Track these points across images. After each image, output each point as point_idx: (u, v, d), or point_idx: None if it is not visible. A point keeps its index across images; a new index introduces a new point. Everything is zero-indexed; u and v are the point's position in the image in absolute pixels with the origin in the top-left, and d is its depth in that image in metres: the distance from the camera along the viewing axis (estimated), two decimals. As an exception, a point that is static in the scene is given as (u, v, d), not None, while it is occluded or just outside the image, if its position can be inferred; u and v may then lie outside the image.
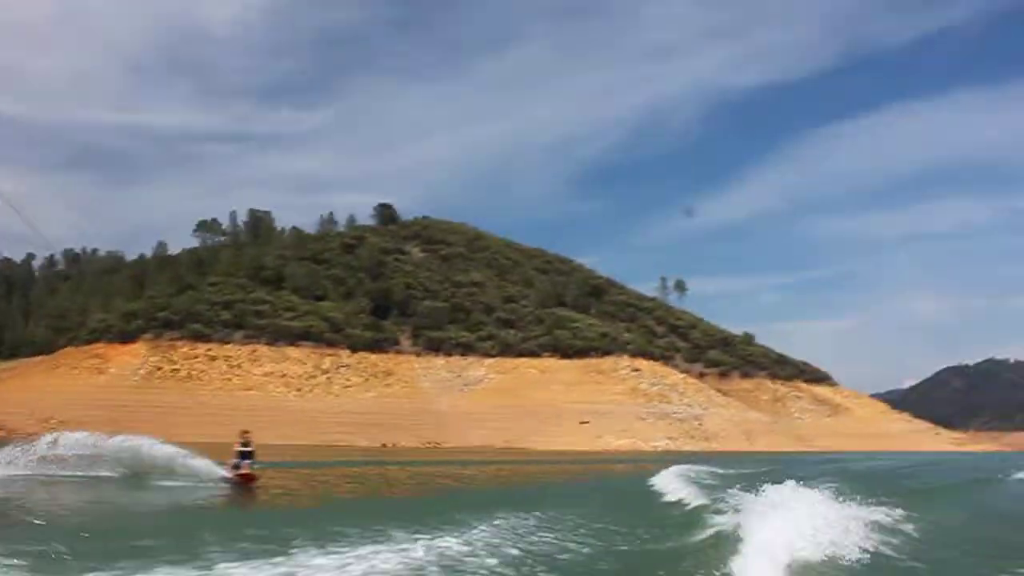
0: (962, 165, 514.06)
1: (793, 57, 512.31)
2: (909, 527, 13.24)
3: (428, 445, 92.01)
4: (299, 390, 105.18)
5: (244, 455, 24.54)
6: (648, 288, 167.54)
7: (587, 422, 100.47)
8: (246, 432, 25.30)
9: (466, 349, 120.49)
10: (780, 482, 14.59)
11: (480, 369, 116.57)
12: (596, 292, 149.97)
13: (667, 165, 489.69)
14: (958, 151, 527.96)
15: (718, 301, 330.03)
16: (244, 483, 23.92)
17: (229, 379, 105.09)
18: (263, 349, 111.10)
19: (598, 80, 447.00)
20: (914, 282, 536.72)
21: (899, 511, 14.20)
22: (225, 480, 24.21)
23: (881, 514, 13.59)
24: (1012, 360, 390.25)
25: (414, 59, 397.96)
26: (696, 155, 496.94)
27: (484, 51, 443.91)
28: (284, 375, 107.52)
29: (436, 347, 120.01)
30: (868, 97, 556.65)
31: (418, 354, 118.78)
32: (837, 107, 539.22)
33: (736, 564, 8.69)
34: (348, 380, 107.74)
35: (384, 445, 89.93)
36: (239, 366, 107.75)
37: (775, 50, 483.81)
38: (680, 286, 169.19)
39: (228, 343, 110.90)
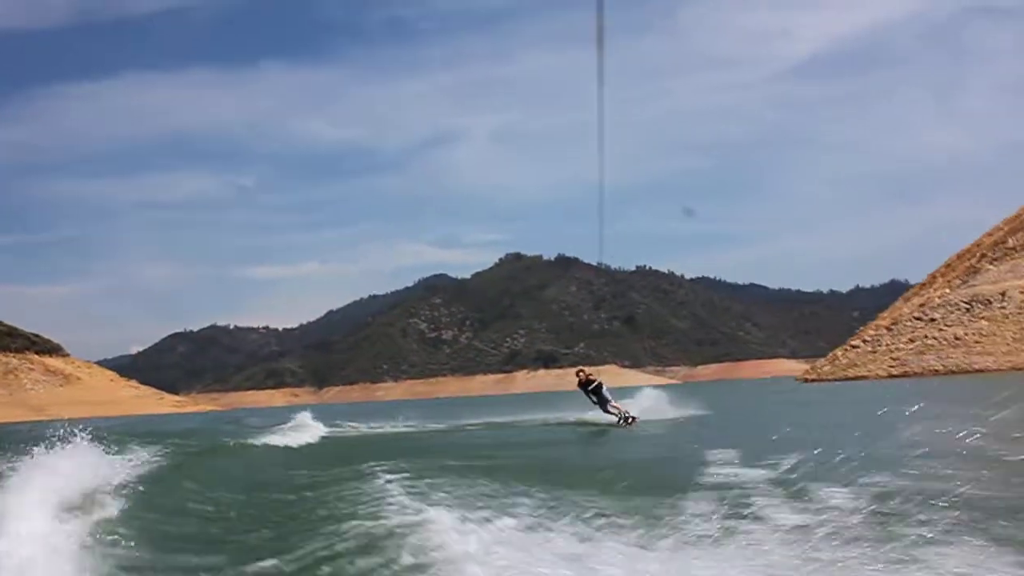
0: (198, 139, 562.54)
1: (24, 8, 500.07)
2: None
3: None
4: None
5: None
6: None
7: None
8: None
9: None
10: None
11: None
12: None
13: None
14: (194, 125, 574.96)
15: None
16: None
17: None
18: None
19: None
20: (145, 249, 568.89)
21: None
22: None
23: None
24: (232, 326, 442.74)
25: None
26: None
27: None
28: None
29: None
30: (104, 61, 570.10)
31: None
32: (72, 67, 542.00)
33: None
34: None
35: None
36: None
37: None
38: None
39: None
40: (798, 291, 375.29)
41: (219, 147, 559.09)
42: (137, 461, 12.76)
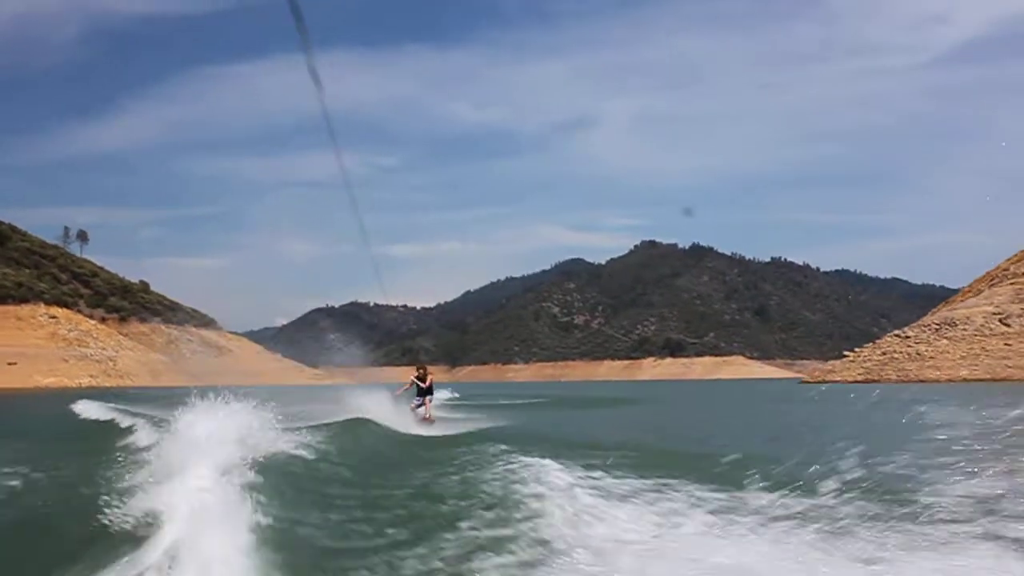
0: (342, 119, 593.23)
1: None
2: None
3: None
4: None
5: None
6: (47, 233, 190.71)
7: (15, 363, 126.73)
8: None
9: None
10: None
11: None
12: (0, 239, 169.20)
13: (41, 84, 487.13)
14: (339, 106, 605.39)
15: (97, 232, 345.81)
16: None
17: None
18: None
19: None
20: (291, 226, 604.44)
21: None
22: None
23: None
24: (372, 303, 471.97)
25: None
26: (74, 77, 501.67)
27: None
28: None
29: None
30: (256, 44, 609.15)
31: None
32: (224, 48, 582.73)
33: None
34: None
35: None
36: None
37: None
38: (83, 236, 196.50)
39: None
40: (942, 287, 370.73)
41: (363, 128, 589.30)
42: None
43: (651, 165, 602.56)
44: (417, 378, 24.88)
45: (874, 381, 72.59)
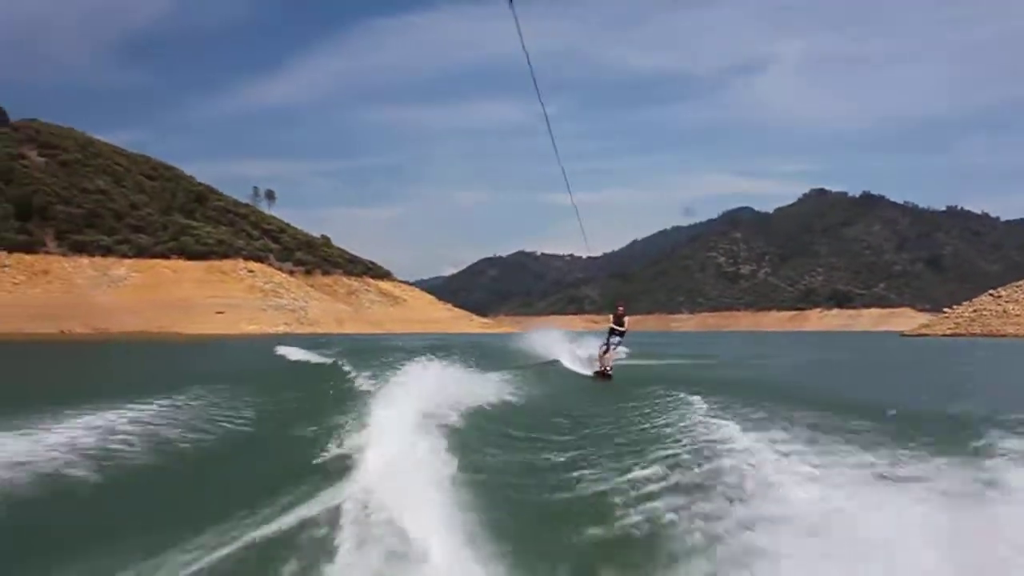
0: (506, 69, 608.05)
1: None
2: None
3: (97, 331, 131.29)
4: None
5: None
6: (240, 194, 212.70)
7: (223, 312, 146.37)
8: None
9: (106, 251, 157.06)
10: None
11: (121, 269, 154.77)
12: (200, 199, 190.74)
13: (217, 40, 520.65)
14: (504, 55, 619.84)
15: (271, 184, 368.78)
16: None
17: None
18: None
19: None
20: (458, 175, 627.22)
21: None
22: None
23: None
24: (539, 253, 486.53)
25: None
26: (247, 33, 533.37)
27: None
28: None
29: (80, 249, 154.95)
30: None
31: (64, 255, 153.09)
32: (393, 1, 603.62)
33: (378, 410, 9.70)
34: (15, 279, 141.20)
35: (62, 331, 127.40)
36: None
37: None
38: (270, 195, 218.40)
39: None
40: None
41: (525, 77, 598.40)
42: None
43: (823, 109, 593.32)
44: (614, 316, 24.78)
45: (959, 335, 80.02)
